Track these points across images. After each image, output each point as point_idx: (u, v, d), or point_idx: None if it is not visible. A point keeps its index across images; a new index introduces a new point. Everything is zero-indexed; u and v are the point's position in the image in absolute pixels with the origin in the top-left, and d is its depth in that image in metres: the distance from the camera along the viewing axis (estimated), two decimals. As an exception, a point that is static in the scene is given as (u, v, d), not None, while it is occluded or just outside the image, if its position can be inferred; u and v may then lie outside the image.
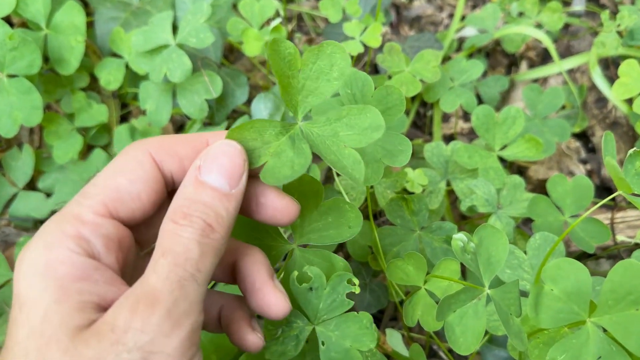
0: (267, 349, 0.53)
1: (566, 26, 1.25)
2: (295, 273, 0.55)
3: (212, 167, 0.44)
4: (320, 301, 0.55)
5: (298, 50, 0.51)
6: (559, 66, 1.06)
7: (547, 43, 1.03)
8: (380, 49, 1.07)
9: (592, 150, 1.13)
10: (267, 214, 0.50)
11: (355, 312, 0.54)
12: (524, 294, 0.69)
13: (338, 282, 0.54)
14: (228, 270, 0.51)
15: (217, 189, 0.44)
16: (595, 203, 0.93)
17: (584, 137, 1.14)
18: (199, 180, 0.44)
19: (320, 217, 0.58)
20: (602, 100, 1.11)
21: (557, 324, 0.50)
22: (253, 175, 0.49)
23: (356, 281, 0.55)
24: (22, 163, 0.96)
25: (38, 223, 0.95)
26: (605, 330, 0.51)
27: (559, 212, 0.79)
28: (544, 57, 1.23)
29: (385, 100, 0.63)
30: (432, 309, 0.64)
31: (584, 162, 1.11)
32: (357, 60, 1.14)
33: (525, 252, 0.72)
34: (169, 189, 0.49)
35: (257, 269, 0.49)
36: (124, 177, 0.45)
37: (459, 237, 0.50)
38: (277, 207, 0.50)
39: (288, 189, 0.56)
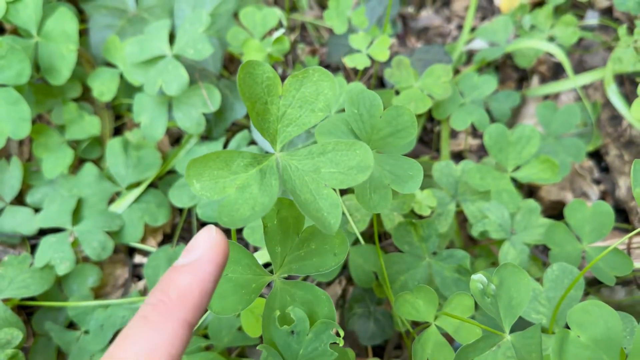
0: None
1: (579, 40, 1.21)
2: (277, 313, 0.50)
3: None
4: (300, 347, 0.50)
5: (278, 75, 0.47)
6: (573, 82, 1.01)
7: (562, 58, 0.99)
8: (387, 62, 1.02)
9: (605, 169, 1.08)
10: None
11: None
12: (541, 330, 0.65)
13: (322, 330, 0.49)
14: None
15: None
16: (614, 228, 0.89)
17: (596, 155, 1.09)
18: None
19: (302, 244, 0.53)
20: (616, 118, 1.06)
21: (585, 375, 0.45)
22: None
23: (341, 332, 0.50)
24: (10, 176, 0.91)
25: (25, 239, 0.90)
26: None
27: (577, 241, 0.74)
28: (555, 72, 1.18)
29: (395, 122, 0.58)
30: (443, 348, 0.59)
31: (597, 182, 1.06)
32: (363, 72, 1.10)
33: (538, 279, 0.67)
34: None
35: None
36: None
37: (479, 279, 0.46)
38: None
39: (266, 214, 0.52)
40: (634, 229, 0.93)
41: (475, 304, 0.64)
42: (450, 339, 0.65)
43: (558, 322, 0.65)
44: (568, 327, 0.48)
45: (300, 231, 0.52)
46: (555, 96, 1.13)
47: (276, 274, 0.52)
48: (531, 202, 0.78)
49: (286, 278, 0.53)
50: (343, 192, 0.87)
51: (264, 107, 0.47)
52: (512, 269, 0.48)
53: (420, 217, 0.83)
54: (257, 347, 0.49)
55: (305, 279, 0.81)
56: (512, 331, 0.50)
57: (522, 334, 0.47)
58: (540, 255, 0.93)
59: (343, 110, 0.80)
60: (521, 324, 0.60)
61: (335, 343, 0.48)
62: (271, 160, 0.47)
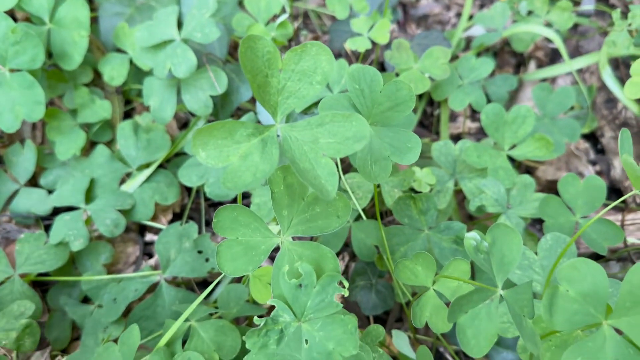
0: (248, 339, 0.52)
1: (575, 26, 1.23)
2: (286, 267, 0.53)
3: None
4: (308, 299, 0.53)
5: (277, 48, 0.50)
6: (569, 66, 1.04)
7: (558, 42, 1.02)
8: (387, 46, 1.05)
9: (601, 151, 1.11)
10: None
11: (342, 316, 0.53)
12: (535, 295, 0.68)
13: (328, 283, 0.53)
14: None
15: None
16: (607, 205, 0.91)
17: (592, 138, 1.12)
18: None
19: (307, 208, 0.56)
20: (611, 101, 1.09)
21: (573, 326, 0.48)
22: None
23: (346, 284, 0.53)
24: (24, 159, 0.95)
25: (39, 220, 0.94)
26: (621, 334, 0.49)
27: (570, 213, 0.77)
28: (553, 57, 1.21)
29: (394, 96, 0.61)
30: (441, 311, 0.62)
31: (592, 163, 1.09)
32: (364, 57, 1.13)
33: (535, 253, 0.70)
34: None
35: None
36: None
37: (472, 236, 0.49)
38: None
39: (273, 181, 0.55)
40: (628, 208, 0.96)
41: (472, 272, 0.67)
42: (448, 304, 0.68)
43: (551, 289, 0.68)
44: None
45: (305, 196, 0.56)
46: (552, 80, 1.16)
47: (284, 235, 0.56)
48: (526, 178, 0.81)
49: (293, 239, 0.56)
50: (345, 171, 0.90)
51: (265, 80, 0.49)
52: (504, 228, 0.51)
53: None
54: (268, 302, 0.52)
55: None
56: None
57: (514, 290, 0.50)
58: (537, 232, 0.96)
59: (345, 91, 0.83)
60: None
61: (341, 295, 0.51)
62: (272, 131, 0.49)
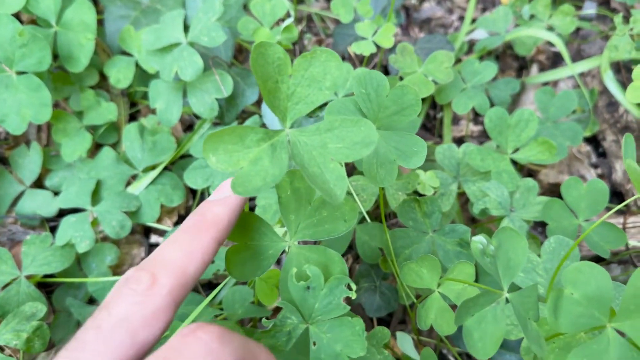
0: (257, 340, 0.53)
1: (577, 30, 1.24)
2: (294, 270, 0.54)
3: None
4: (316, 301, 0.54)
5: (287, 55, 0.50)
6: (571, 69, 1.05)
7: (560, 46, 1.03)
8: (391, 50, 1.06)
9: (602, 154, 1.12)
10: None
11: (350, 318, 0.53)
12: (538, 297, 0.68)
13: (336, 285, 0.53)
14: None
15: None
16: (609, 208, 0.92)
17: (594, 141, 1.13)
18: None
19: (314, 212, 0.57)
20: (613, 105, 1.10)
21: (577, 328, 0.49)
22: None
23: (353, 286, 0.54)
24: (30, 161, 0.95)
25: (45, 221, 0.94)
26: (624, 336, 0.50)
27: (573, 216, 0.78)
28: (554, 61, 1.22)
29: (400, 101, 0.62)
30: (446, 313, 0.63)
31: (594, 166, 1.10)
32: (368, 61, 1.13)
33: (538, 256, 0.71)
34: None
35: None
36: None
37: (479, 240, 0.49)
38: None
39: (280, 186, 0.56)
40: (629, 211, 0.97)
41: (476, 275, 0.67)
42: (453, 308, 0.69)
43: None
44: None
45: (312, 200, 0.56)
46: (554, 84, 1.17)
47: (291, 240, 0.56)
48: (529, 181, 0.82)
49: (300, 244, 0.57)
50: (350, 173, 0.91)
51: (275, 86, 0.50)
52: (510, 232, 0.52)
53: (423, 197, 0.87)
54: (277, 303, 0.53)
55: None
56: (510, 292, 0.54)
57: (519, 293, 0.51)
58: (539, 235, 0.96)
59: (351, 94, 0.84)
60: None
61: (348, 297, 0.52)
62: (282, 135, 0.50)
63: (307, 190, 0.57)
